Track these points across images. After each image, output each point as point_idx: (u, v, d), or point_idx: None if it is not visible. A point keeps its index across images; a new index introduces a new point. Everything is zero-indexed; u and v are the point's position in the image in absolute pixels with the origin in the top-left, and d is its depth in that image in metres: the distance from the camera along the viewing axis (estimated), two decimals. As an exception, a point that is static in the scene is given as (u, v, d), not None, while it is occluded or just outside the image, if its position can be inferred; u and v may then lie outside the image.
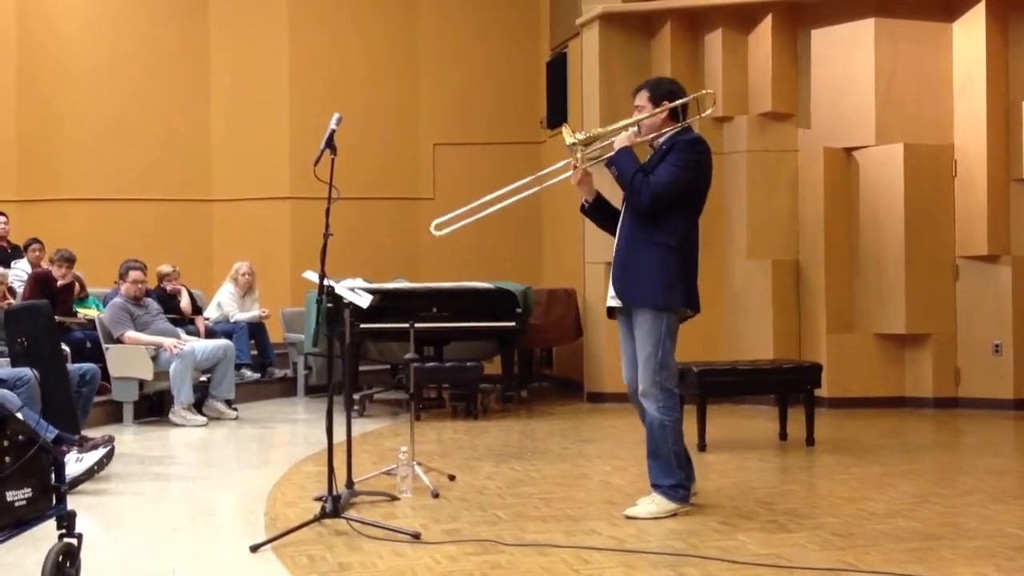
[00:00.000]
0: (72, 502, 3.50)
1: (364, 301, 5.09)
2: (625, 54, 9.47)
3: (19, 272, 9.30)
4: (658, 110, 4.71)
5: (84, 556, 3.43)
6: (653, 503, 4.65)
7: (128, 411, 8.15)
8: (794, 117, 9.25)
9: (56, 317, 6.95)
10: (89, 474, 5.42)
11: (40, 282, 8.52)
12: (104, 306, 8.78)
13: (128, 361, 8.09)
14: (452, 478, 5.58)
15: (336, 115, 4.65)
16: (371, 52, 11.85)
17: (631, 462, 6.09)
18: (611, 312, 4.87)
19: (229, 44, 11.84)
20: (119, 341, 8.19)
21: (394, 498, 5.07)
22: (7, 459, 3.17)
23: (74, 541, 3.36)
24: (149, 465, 6.39)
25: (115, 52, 11.69)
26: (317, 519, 4.42)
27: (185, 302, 9.63)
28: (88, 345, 8.37)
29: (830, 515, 4.69)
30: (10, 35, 11.61)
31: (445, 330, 8.66)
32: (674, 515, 4.62)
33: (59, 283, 8.59)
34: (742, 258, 9.20)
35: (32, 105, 11.64)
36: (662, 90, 4.75)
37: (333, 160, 4.53)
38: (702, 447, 6.57)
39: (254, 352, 10.14)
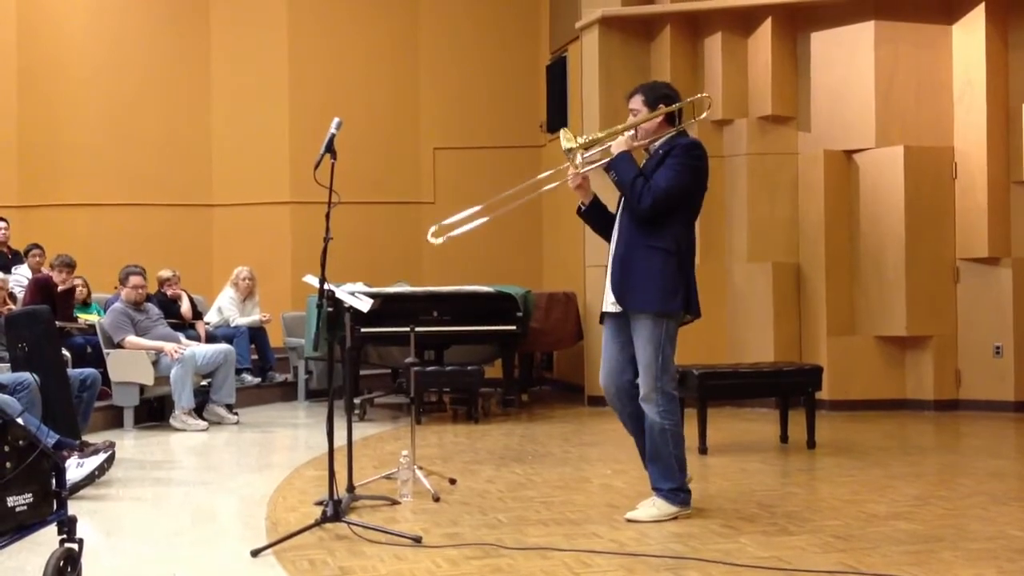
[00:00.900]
0: (73, 507, 3.50)
1: (364, 305, 5.10)
2: (625, 58, 9.48)
3: (19, 277, 9.29)
4: (655, 114, 4.70)
5: (85, 561, 3.43)
6: (654, 506, 4.65)
7: (129, 416, 8.15)
8: (794, 120, 9.26)
9: (57, 322, 6.94)
10: (90, 479, 5.42)
11: (41, 287, 8.52)
12: (105, 311, 8.79)
13: (129, 366, 8.10)
14: (453, 482, 5.58)
15: (336, 119, 4.66)
16: (371, 57, 11.87)
17: (632, 465, 6.07)
18: (602, 317, 4.84)
19: (229, 49, 11.85)
20: (120, 346, 8.19)
21: (395, 502, 5.06)
22: (8, 464, 3.17)
23: (75, 546, 3.36)
24: (150, 470, 6.39)
25: (115, 57, 11.71)
26: (318, 523, 4.42)
27: (186, 307, 9.64)
28: (89, 350, 8.37)
29: (831, 518, 4.69)
30: (10, 41, 11.62)
31: (446, 334, 8.66)
32: (675, 518, 4.62)
33: (59, 288, 8.58)
34: (743, 261, 9.20)
35: (33, 110, 11.65)
36: (657, 94, 4.74)
37: (333, 164, 4.54)
38: (703, 450, 6.57)
39: (255, 357, 10.14)
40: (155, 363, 8.13)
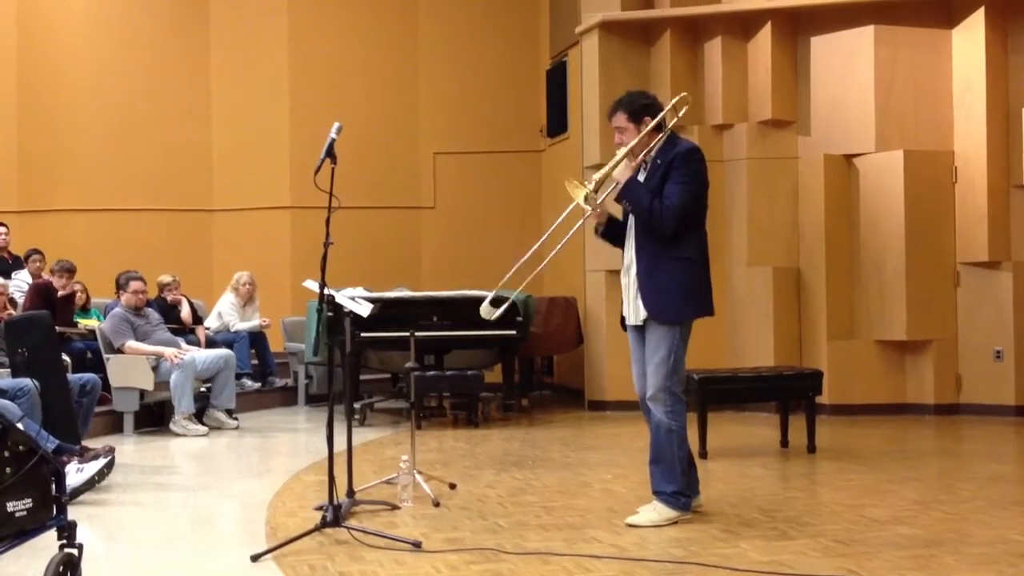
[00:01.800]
0: (73, 512, 3.49)
1: (364, 310, 5.09)
2: (625, 62, 9.48)
3: (20, 283, 9.30)
4: (645, 130, 4.70)
5: (85, 566, 3.42)
6: (654, 511, 4.65)
7: (129, 421, 8.14)
8: (794, 124, 9.26)
9: (57, 327, 6.94)
10: (90, 484, 5.41)
11: (41, 293, 8.52)
12: (105, 316, 8.79)
13: (129, 371, 8.09)
14: (453, 487, 5.58)
15: (336, 124, 4.66)
16: (371, 61, 11.87)
17: (632, 470, 6.08)
18: (624, 324, 4.90)
19: (230, 54, 11.86)
20: (120, 351, 8.19)
21: (395, 507, 5.06)
22: (8, 470, 3.17)
23: (75, 551, 3.35)
24: (150, 475, 6.39)
25: (116, 62, 11.71)
26: (318, 528, 4.41)
27: (186, 312, 9.63)
28: (89, 355, 8.37)
29: (831, 522, 4.68)
30: (11, 46, 11.63)
31: (446, 339, 8.66)
32: (675, 523, 4.62)
33: (60, 294, 8.58)
34: (743, 265, 9.20)
35: (33, 115, 11.66)
36: (636, 106, 4.74)
37: (333, 169, 4.54)
38: (703, 454, 6.56)
39: (255, 362, 10.13)
40: (155, 368, 8.12)
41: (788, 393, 7.07)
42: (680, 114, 4.85)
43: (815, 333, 9.02)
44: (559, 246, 5.14)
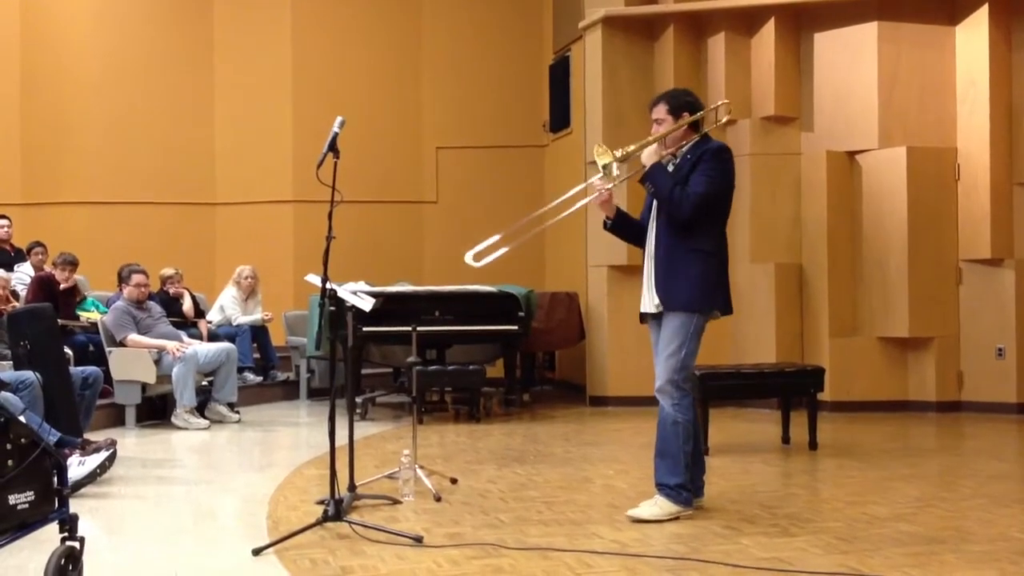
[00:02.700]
0: (74, 505, 3.49)
1: (366, 304, 5.09)
2: (628, 57, 9.48)
3: (22, 275, 9.30)
4: (681, 123, 4.76)
5: (86, 560, 3.43)
6: (656, 504, 4.66)
7: (130, 414, 8.15)
8: (797, 120, 9.25)
9: (59, 320, 6.95)
10: (91, 477, 5.42)
11: (43, 285, 8.53)
12: (105, 308, 8.79)
13: (131, 364, 8.10)
14: (454, 481, 5.58)
15: (339, 119, 4.66)
16: (374, 56, 11.87)
17: (633, 465, 6.09)
18: (643, 317, 4.93)
19: (233, 49, 11.86)
20: (122, 344, 8.20)
21: (396, 502, 5.06)
22: (10, 462, 3.17)
23: (76, 544, 3.36)
24: (151, 468, 6.39)
25: (118, 56, 11.71)
26: (319, 523, 4.42)
27: (188, 305, 9.64)
28: (91, 348, 8.37)
29: (833, 519, 4.69)
30: (14, 39, 11.63)
31: (447, 333, 8.66)
32: (676, 518, 4.62)
33: (62, 286, 8.59)
34: (745, 261, 9.18)
35: (35, 108, 11.66)
36: (680, 102, 4.83)
37: (336, 163, 4.54)
38: (705, 451, 6.54)
39: (256, 355, 10.15)
40: (157, 361, 8.13)
41: (790, 389, 7.07)
42: (720, 119, 4.90)
43: (817, 329, 9.02)
44: (560, 215, 5.07)
